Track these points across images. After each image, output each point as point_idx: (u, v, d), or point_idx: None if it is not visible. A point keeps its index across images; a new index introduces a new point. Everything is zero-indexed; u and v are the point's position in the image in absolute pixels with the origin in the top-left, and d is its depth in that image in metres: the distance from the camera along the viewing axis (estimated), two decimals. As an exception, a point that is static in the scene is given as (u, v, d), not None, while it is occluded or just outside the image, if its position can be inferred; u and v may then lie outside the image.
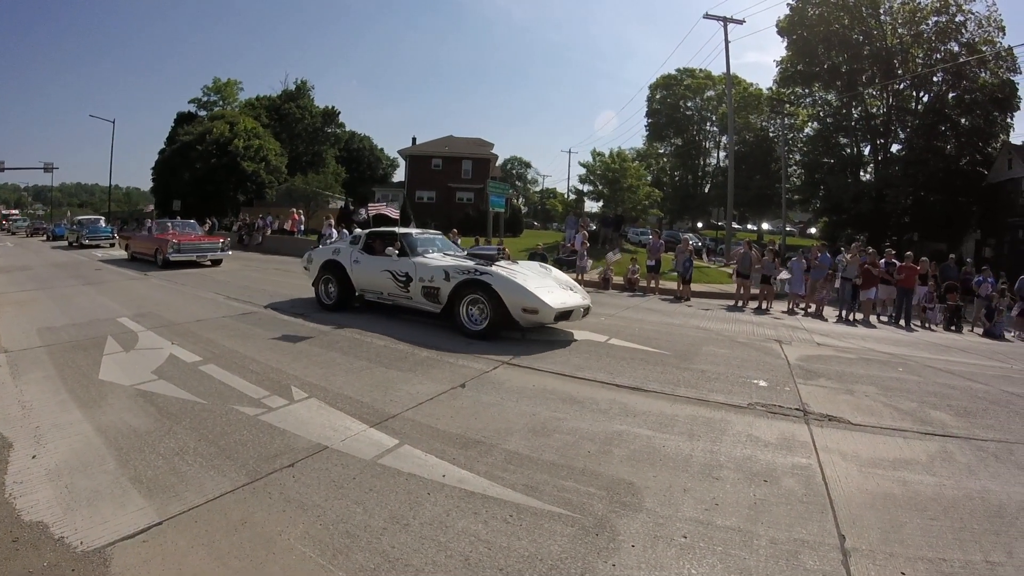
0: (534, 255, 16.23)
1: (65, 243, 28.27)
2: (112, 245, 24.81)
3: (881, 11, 35.92)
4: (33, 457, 3.39)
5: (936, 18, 34.49)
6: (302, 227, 25.10)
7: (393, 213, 15.21)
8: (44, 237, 37.37)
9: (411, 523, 2.77)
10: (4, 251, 25.25)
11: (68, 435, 3.74)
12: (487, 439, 3.89)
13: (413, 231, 9.47)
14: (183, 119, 47.28)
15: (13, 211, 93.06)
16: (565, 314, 7.14)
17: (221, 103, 52.48)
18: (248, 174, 39.53)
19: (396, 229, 9.56)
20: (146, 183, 55.65)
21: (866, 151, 39.96)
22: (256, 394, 4.67)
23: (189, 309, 8.85)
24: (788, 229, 44.84)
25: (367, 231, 9.54)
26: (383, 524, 2.75)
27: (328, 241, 20.92)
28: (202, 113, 49.61)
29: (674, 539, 2.74)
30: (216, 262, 16.92)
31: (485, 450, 3.70)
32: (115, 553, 2.46)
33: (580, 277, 15.06)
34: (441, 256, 8.43)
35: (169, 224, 18.28)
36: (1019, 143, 33.78)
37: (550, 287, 7.46)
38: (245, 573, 2.39)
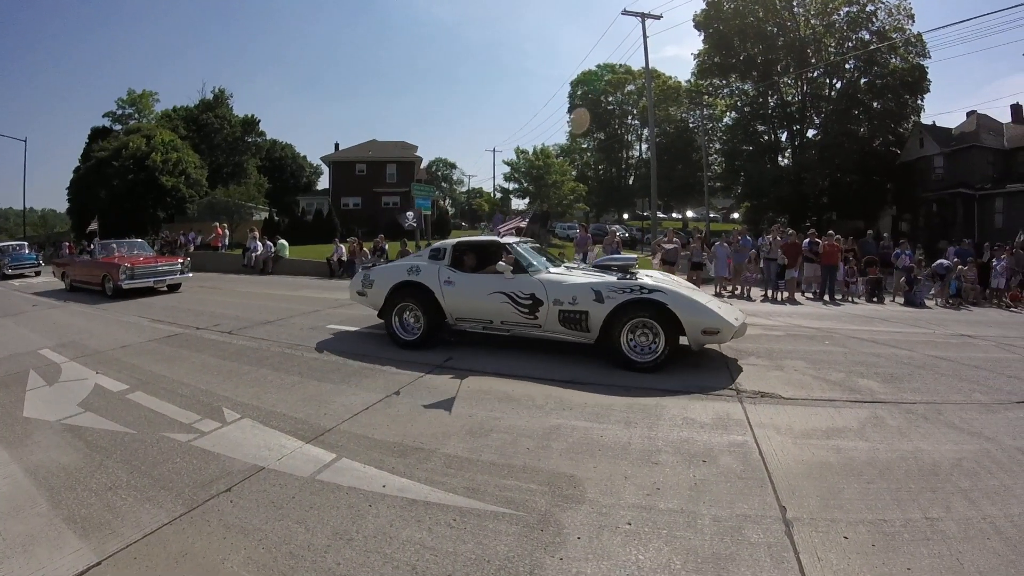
0: None
1: None
2: (37, 274, 23.01)
3: (794, 3, 37.32)
4: None
5: (847, 8, 36.05)
6: (226, 241, 24.26)
7: (522, 223, 13.75)
8: None
9: (355, 537, 2.73)
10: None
11: None
12: (425, 445, 3.87)
13: (513, 240, 7.65)
14: (98, 134, 45.03)
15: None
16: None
17: (137, 116, 50.29)
18: (167, 189, 37.93)
19: (498, 239, 7.67)
20: (62, 204, 52.78)
21: (783, 137, 41.42)
22: (187, 419, 4.51)
23: (112, 335, 8.45)
24: (712, 215, 46.32)
25: (456, 241, 7.56)
26: (327, 541, 2.70)
27: (254, 254, 20.01)
28: (117, 127, 47.39)
29: (619, 527, 2.78)
30: (174, 287, 14.59)
31: (424, 456, 3.68)
32: None
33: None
34: (566, 270, 6.95)
35: (114, 246, 15.75)
36: (929, 123, 35.84)
37: (715, 301, 6.44)
38: (189, 606, 2.31)
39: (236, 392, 5.23)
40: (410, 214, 21.74)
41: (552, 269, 6.84)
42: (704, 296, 6.42)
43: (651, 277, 6.77)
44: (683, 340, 5.73)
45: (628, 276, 6.34)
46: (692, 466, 3.45)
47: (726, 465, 3.47)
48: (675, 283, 6.74)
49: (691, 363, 5.96)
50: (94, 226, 20.80)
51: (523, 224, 12.39)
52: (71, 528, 2.91)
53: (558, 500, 3.05)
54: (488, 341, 7.00)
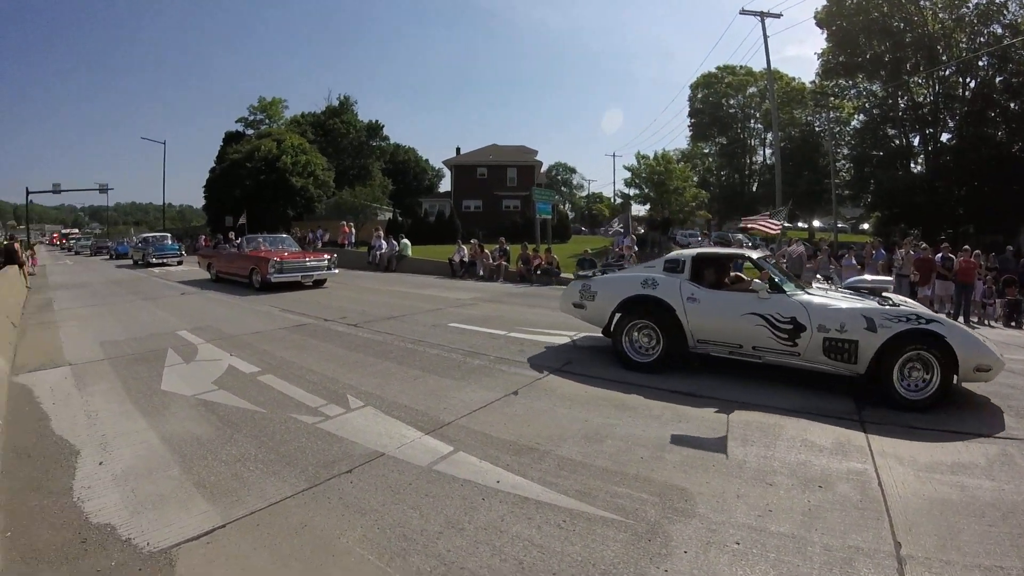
0: (582, 261, 16.07)
1: (129, 261, 27.85)
2: (180, 263, 24.37)
3: None
4: (100, 463, 3.59)
5: (976, 0, 33.09)
6: (352, 239, 25.54)
7: (774, 227, 12.60)
8: (107, 256, 37.60)
9: (466, 527, 2.84)
10: (65, 269, 26.14)
11: (133, 443, 3.94)
12: (540, 445, 3.94)
13: (758, 254, 6.83)
14: (231, 138, 48.78)
15: (73, 230, 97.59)
16: None
17: (268, 121, 54.02)
18: (297, 189, 40.41)
19: (745, 251, 7.07)
20: (198, 200, 57.77)
21: (915, 142, 38.52)
22: (313, 403, 4.82)
23: (245, 322, 9.10)
24: (840, 226, 43.61)
25: (696, 252, 6.71)
26: (439, 528, 2.83)
27: (379, 252, 20.56)
28: (250, 132, 51.02)
29: (727, 545, 2.74)
30: (320, 283, 14.38)
31: (538, 456, 3.75)
32: (180, 554, 2.60)
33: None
34: (824, 293, 6.08)
35: (260, 240, 15.97)
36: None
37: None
38: (306, 574, 2.50)
39: (360, 381, 5.51)
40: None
41: (809, 291, 6.05)
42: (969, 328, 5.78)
43: (906, 304, 6.12)
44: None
45: (885, 301, 5.72)
46: (807, 491, 3.33)
47: (843, 493, 3.32)
48: (929, 311, 6.07)
49: (809, 383, 5.68)
50: (242, 220, 22.08)
51: (775, 227, 11.08)
52: (200, 492, 3.20)
53: (668, 512, 3.04)
54: (604, 348, 6.88)
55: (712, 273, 6.55)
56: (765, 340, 5.70)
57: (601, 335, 6.96)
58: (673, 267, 6.43)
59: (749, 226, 12.36)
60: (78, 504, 3.06)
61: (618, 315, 6.47)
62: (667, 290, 6.19)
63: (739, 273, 6.67)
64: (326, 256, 14.97)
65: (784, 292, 5.80)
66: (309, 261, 14.30)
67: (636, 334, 6.37)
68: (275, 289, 13.17)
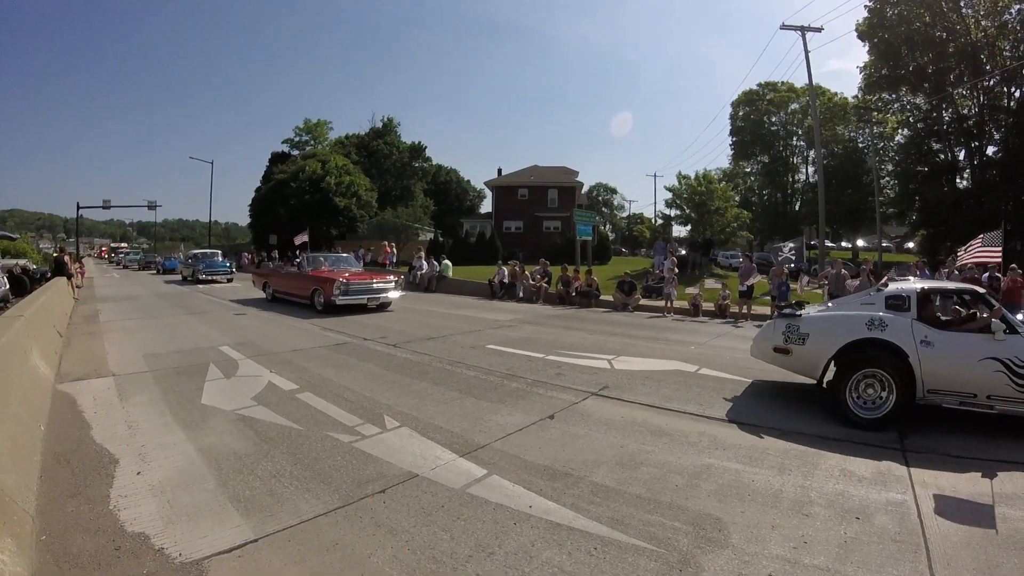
0: (622, 283, 16.01)
1: (178, 277, 27.83)
2: (230, 280, 24.25)
3: (962, 3, 33.53)
4: (138, 473, 3.68)
5: (1019, 6, 31.81)
6: (394, 259, 25.80)
7: (993, 254, 11.35)
8: (155, 271, 38.18)
9: (496, 552, 2.83)
10: (113, 282, 26.86)
11: (171, 454, 4.04)
12: (575, 471, 3.91)
13: (979, 288, 6.30)
14: (277, 158, 50.09)
15: (122, 244, 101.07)
16: None
17: (313, 142, 55.39)
18: (340, 209, 41.18)
19: (968, 287, 6.45)
20: (243, 218, 59.26)
21: (961, 156, 37.31)
22: (350, 422, 4.87)
23: (286, 339, 9.24)
24: (884, 245, 42.41)
25: (921, 287, 5.73)
26: (469, 552, 2.83)
27: (420, 272, 20.51)
28: (295, 152, 52.30)
29: (759, 577, 2.69)
30: (384, 306, 13.48)
31: (572, 482, 3.72)
32: (212, 566, 2.65)
33: (668, 304, 14.80)
34: None
35: (322, 260, 15.10)
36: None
37: None
38: (334, 593, 2.51)
39: (397, 402, 5.55)
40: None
41: None
42: None
43: None
44: None
45: None
46: (844, 522, 3.26)
47: (880, 524, 3.24)
48: None
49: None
50: (304, 238, 21.87)
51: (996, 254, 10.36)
52: (235, 506, 3.26)
53: (701, 542, 3.00)
54: (643, 372, 6.87)
55: (933, 310, 5.82)
56: (1002, 388, 4.92)
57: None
58: (898, 304, 5.53)
59: (970, 262, 11.95)
60: (114, 512, 3.15)
61: (836, 362, 5.57)
62: (898, 332, 5.29)
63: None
64: (392, 277, 14.13)
65: (1019, 333, 5.02)
66: (375, 283, 13.41)
67: (862, 385, 5.38)
68: (335, 312, 12.53)
